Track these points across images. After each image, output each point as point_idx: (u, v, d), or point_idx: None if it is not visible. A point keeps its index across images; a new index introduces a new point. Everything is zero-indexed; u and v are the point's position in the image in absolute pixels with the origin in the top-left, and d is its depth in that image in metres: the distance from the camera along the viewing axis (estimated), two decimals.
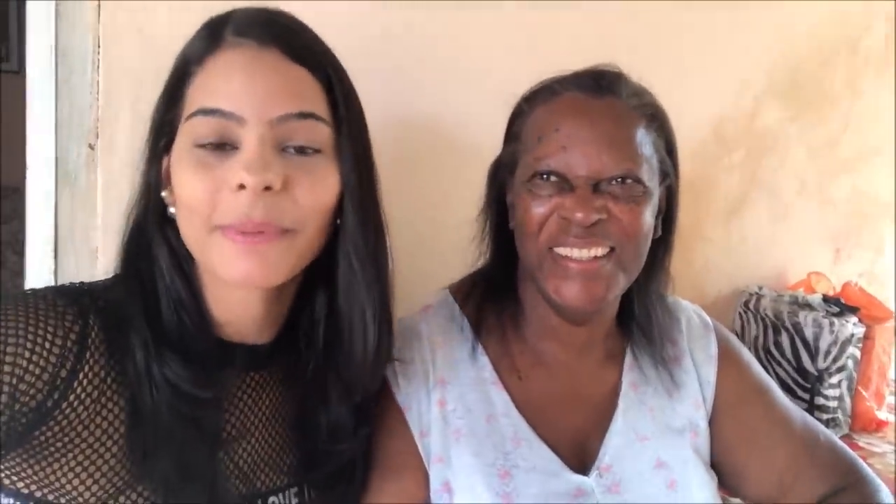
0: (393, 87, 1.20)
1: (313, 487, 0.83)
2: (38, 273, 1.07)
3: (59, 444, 0.67)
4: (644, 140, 0.85)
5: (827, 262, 1.74)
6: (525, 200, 0.86)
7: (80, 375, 0.68)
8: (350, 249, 0.76)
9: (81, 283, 0.76)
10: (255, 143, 0.68)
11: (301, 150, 0.71)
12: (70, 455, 0.68)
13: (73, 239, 1.05)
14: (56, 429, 0.67)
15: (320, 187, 0.72)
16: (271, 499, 0.80)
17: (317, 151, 0.72)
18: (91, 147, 1.04)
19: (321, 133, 0.72)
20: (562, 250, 0.83)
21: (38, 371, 0.65)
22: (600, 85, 0.86)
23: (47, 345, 0.66)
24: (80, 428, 0.68)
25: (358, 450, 0.84)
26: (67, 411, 0.67)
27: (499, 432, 0.88)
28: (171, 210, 0.73)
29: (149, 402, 0.70)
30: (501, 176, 0.93)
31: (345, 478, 0.84)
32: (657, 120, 0.88)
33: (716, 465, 0.95)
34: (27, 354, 0.65)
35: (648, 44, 1.40)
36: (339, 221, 0.76)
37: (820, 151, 1.68)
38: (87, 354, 0.68)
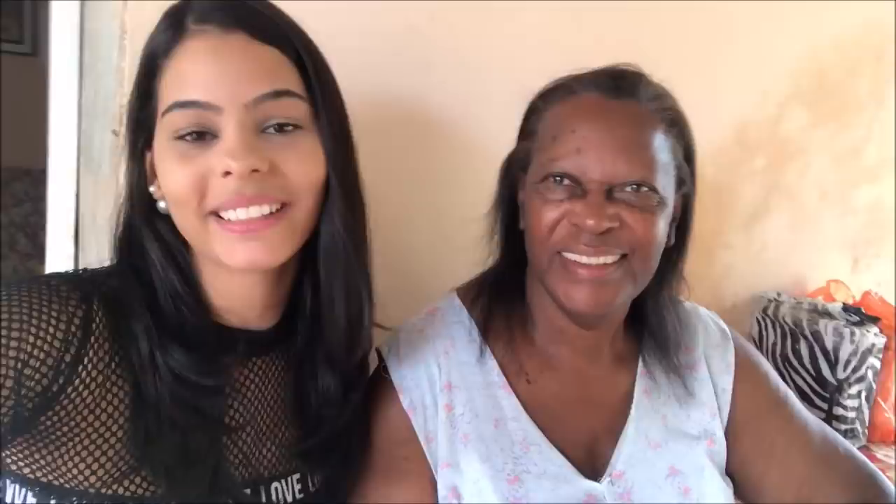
0: (417, 81, 1.20)
1: (316, 474, 0.83)
2: (58, 258, 1.07)
3: (64, 429, 0.68)
4: (662, 146, 0.82)
5: (845, 271, 1.71)
6: (536, 203, 0.84)
7: (85, 360, 0.68)
8: (334, 218, 0.76)
9: (84, 269, 0.77)
10: (235, 130, 0.68)
11: (281, 128, 0.71)
12: (76, 440, 0.68)
13: (95, 226, 1.05)
14: (62, 413, 0.67)
15: (308, 161, 0.73)
16: (274, 484, 0.80)
17: (297, 127, 0.72)
18: (115, 134, 1.04)
19: (299, 109, 0.72)
20: (571, 256, 0.82)
21: (42, 356, 0.65)
22: (619, 86, 0.84)
23: (51, 329, 0.66)
24: (85, 412, 0.68)
25: (349, 417, 0.84)
26: (73, 396, 0.67)
27: (507, 437, 0.86)
28: (161, 205, 0.74)
29: (152, 390, 0.70)
30: (514, 172, 0.92)
31: (346, 461, 0.84)
32: (677, 125, 0.85)
33: (733, 477, 0.94)
34: (32, 339, 0.65)
35: (671, 46, 1.38)
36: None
37: (843, 160, 1.66)
38: (92, 339, 0.69)
